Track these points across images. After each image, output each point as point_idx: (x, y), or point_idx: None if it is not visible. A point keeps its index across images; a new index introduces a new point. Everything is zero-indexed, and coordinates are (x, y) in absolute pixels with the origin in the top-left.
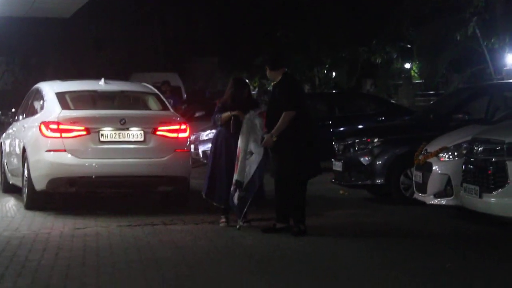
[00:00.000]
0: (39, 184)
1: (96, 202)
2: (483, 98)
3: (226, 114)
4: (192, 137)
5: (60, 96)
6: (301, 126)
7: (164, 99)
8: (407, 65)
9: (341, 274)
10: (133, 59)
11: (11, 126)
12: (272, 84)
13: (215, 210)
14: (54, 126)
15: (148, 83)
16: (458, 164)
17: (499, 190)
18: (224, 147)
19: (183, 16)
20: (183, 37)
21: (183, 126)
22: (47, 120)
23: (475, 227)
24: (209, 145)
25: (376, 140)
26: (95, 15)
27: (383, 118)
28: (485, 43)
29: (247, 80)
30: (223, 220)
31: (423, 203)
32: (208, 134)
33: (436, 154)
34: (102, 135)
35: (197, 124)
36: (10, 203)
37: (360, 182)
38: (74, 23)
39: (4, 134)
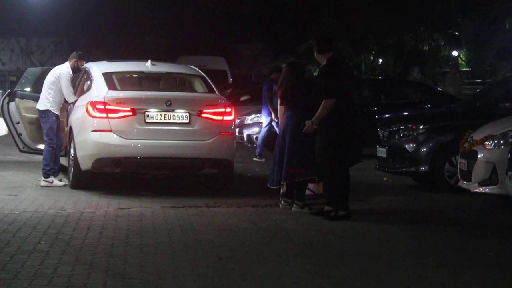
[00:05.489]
0: (85, 164)
1: (140, 183)
2: None
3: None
4: (237, 121)
5: (107, 77)
6: (342, 113)
7: (210, 82)
8: (455, 53)
9: (381, 260)
10: (180, 42)
11: None
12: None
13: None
14: (101, 106)
15: (194, 66)
16: (504, 153)
17: None
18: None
19: (230, 1)
20: (229, 21)
21: (228, 109)
22: (93, 100)
23: None
24: (254, 129)
25: (421, 127)
26: None
27: (429, 105)
28: None
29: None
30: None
31: (468, 191)
32: (253, 118)
33: (482, 142)
34: (147, 116)
35: (243, 108)
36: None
37: (404, 169)
38: (122, 5)
39: None
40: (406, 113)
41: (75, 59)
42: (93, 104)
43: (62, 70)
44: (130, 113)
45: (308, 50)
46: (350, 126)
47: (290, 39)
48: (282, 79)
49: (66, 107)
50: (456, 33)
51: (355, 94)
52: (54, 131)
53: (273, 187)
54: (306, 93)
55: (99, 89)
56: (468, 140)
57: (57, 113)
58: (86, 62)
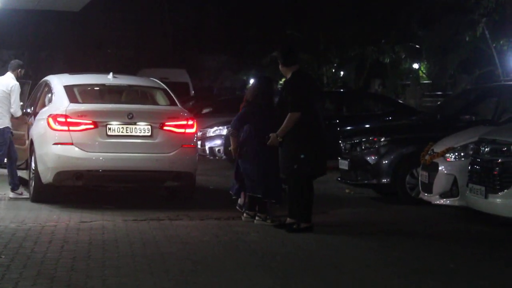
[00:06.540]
0: (46, 177)
1: (102, 196)
2: (490, 99)
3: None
4: (199, 134)
5: (69, 89)
6: (307, 126)
7: (171, 94)
8: (416, 65)
9: (344, 272)
10: (142, 55)
11: None
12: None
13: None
14: (62, 119)
15: (156, 79)
16: (464, 165)
17: (505, 190)
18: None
19: (193, 13)
20: (192, 34)
21: (190, 122)
22: (55, 113)
23: (480, 227)
24: (216, 141)
25: (382, 139)
26: (105, 9)
27: (390, 118)
28: (494, 45)
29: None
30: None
31: (429, 203)
32: (215, 130)
33: (443, 154)
34: (109, 129)
35: (205, 121)
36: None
37: (366, 181)
38: (84, 17)
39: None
40: (367, 126)
41: (19, 69)
42: (54, 117)
43: (13, 83)
44: (92, 126)
45: (272, 62)
46: (314, 139)
47: (253, 51)
48: (248, 90)
49: (25, 119)
50: (417, 46)
51: (320, 107)
52: (7, 144)
53: (258, 195)
54: (270, 107)
55: (60, 102)
56: (429, 152)
57: (10, 125)
58: (47, 74)
